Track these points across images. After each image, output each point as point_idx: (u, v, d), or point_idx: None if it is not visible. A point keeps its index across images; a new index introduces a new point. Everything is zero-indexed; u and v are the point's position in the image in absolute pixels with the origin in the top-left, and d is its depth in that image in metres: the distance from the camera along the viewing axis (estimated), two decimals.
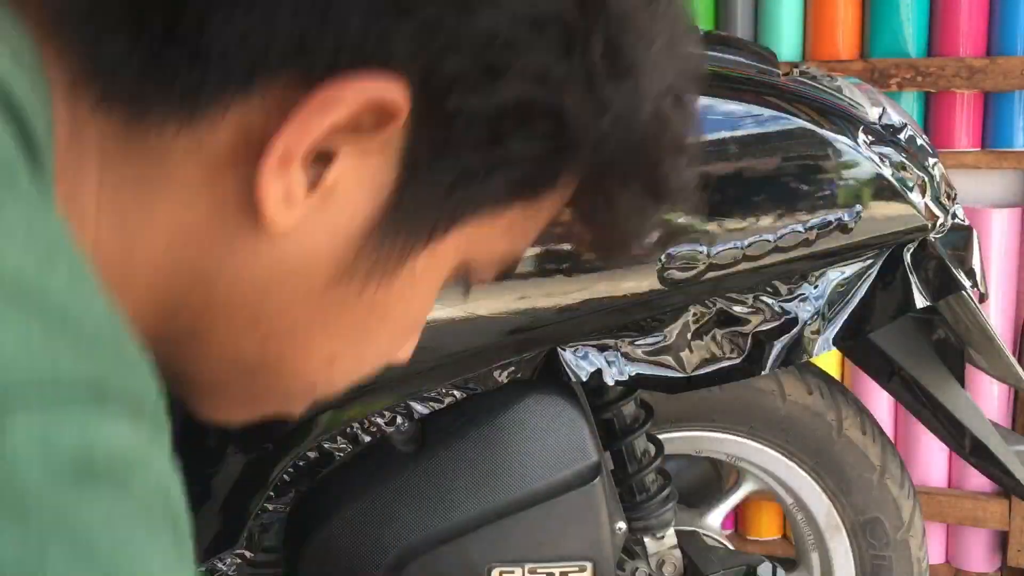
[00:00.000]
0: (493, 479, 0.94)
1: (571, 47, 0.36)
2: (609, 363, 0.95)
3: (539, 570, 0.96)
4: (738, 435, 1.18)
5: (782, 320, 0.96)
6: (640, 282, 0.90)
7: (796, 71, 1.03)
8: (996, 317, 1.69)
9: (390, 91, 0.34)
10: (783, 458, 1.20)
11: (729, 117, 0.91)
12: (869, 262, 0.97)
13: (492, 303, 0.87)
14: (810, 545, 1.28)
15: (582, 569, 0.96)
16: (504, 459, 0.94)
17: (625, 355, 0.95)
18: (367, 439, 0.95)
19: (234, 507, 0.93)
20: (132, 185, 0.35)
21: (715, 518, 1.31)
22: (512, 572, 0.95)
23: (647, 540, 1.08)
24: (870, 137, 0.93)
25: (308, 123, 0.34)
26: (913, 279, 0.96)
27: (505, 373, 0.94)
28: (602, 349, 0.95)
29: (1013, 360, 1.07)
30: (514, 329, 0.89)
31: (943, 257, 0.96)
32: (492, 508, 0.94)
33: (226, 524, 0.94)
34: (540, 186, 0.40)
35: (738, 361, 0.96)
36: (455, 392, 0.95)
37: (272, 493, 0.95)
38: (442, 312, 0.86)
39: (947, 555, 1.84)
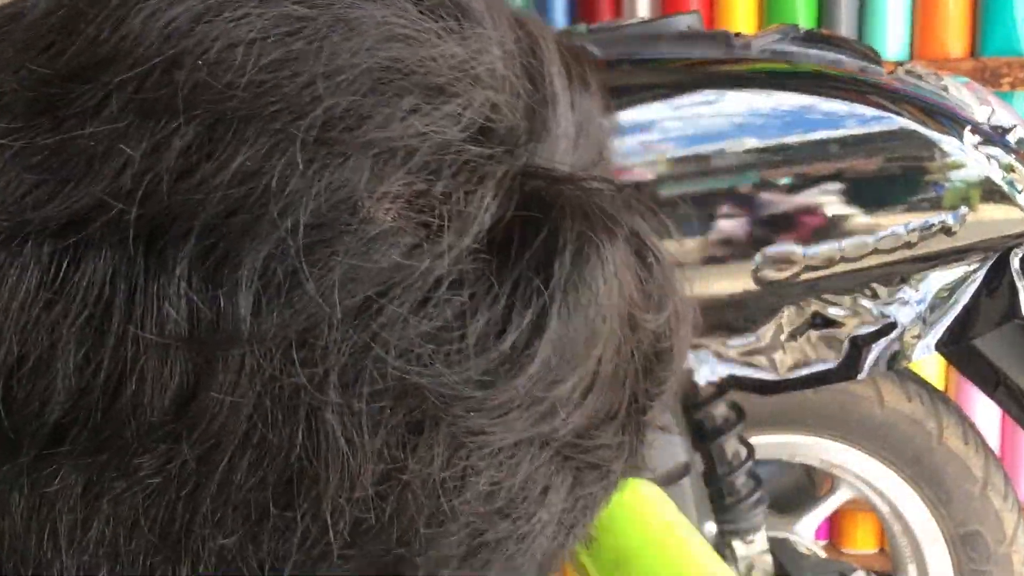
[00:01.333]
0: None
1: None
2: (701, 363, 0.95)
3: None
4: (833, 440, 1.16)
5: (880, 324, 0.94)
6: (734, 282, 0.90)
7: (901, 70, 1.01)
8: None
9: None
10: (880, 465, 1.17)
11: (830, 116, 0.89)
12: (974, 266, 0.94)
13: None
14: (907, 557, 1.25)
15: None
16: None
17: (717, 355, 0.94)
18: None
19: None
20: None
21: (807, 525, 1.29)
22: None
23: (736, 543, 1.07)
24: (977, 138, 0.91)
25: None
26: (1020, 285, 0.93)
27: None
28: (694, 348, 0.95)
29: None
30: None
31: None
32: None
33: None
34: None
35: (833, 364, 0.95)
36: None
37: None
38: None
39: None
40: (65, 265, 0.24)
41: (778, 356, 0.95)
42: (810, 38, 1.00)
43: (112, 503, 0.24)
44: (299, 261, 0.23)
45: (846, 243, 0.89)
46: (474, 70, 0.26)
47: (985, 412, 1.66)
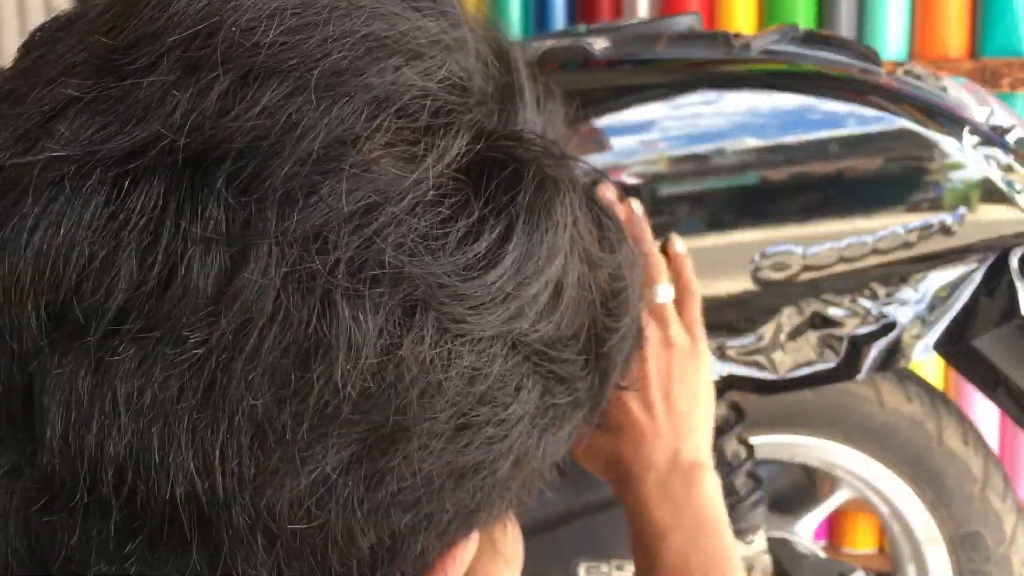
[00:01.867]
0: (582, 475, 0.95)
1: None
2: None
3: (626, 566, 0.96)
4: (832, 441, 1.16)
5: (880, 324, 0.94)
6: (734, 282, 0.90)
7: (900, 70, 1.01)
8: None
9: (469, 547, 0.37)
10: (879, 466, 1.17)
11: (830, 117, 0.90)
12: (973, 266, 0.94)
13: None
14: (907, 557, 1.25)
15: None
16: None
17: (717, 355, 0.94)
18: None
19: None
20: None
21: (807, 526, 1.29)
22: (599, 568, 0.96)
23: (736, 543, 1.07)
24: (977, 138, 0.91)
25: None
26: (1019, 285, 0.93)
27: None
28: None
29: None
30: None
31: None
32: (580, 504, 0.95)
33: None
34: None
35: (833, 364, 0.95)
36: None
37: None
38: None
39: None
40: (126, 185, 0.29)
41: (777, 356, 0.95)
42: (810, 38, 1.00)
43: (163, 372, 0.29)
44: (315, 174, 0.29)
45: (845, 243, 0.89)
46: (446, 40, 0.33)
47: (985, 413, 1.66)
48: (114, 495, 0.30)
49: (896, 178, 0.89)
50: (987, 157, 0.91)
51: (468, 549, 0.37)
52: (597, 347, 0.37)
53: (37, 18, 1.72)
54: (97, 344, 0.29)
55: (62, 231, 0.29)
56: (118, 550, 0.31)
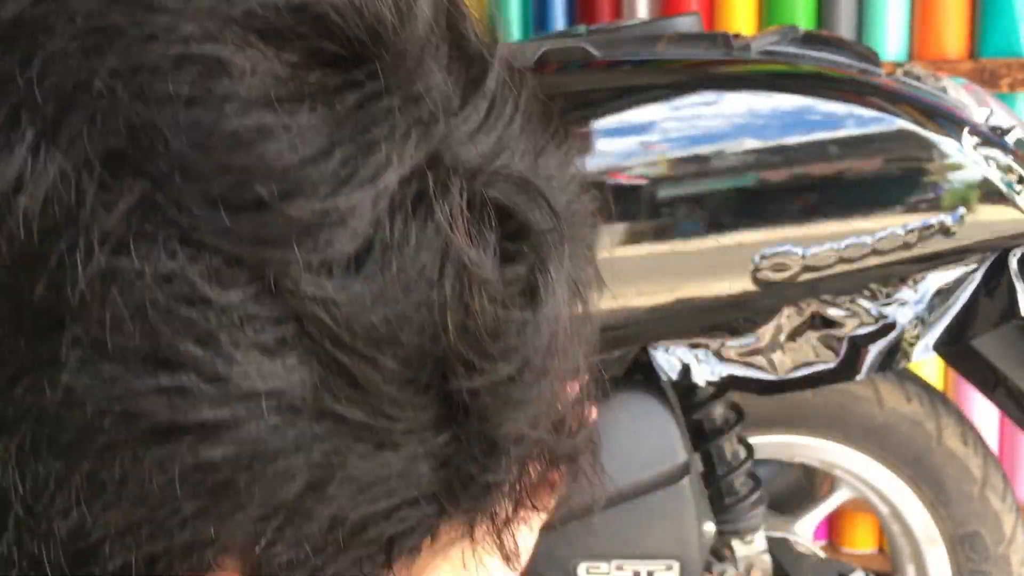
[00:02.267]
0: (581, 476, 0.95)
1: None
2: (700, 363, 0.95)
3: (626, 567, 0.97)
4: (832, 441, 1.16)
5: (879, 324, 0.95)
6: (733, 283, 0.90)
7: (900, 71, 1.01)
8: None
9: None
10: (879, 466, 1.18)
11: (830, 117, 0.90)
12: (972, 267, 0.94)
13: None
14: (906, 557, 1.25)
15: (669, 568, 0.96)
16: None
17: (717, 355, 0.95)
18: None
19: None
20: None
21: (807, 526, 1.30)
22: (599, 568, 0.96)
23: (735, 543, 1.07)
24: (976, 139, 0.91)
25: None
26: (1019, 285, 0.93)
27: None
28: (693, 349, 0.95)
29: None
30: (604, 327, 0.90)
31: None
32: (580, 505, 0.95)
33: None
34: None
35: (833, 365, 0.95)
36: None
37: None
38: None
39: None
40: None
41: (777, 357, 0.95)
42: (809, 39, 1.00)
43: None
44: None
45: (845, 244, 0.89)
46: None
47: (984, 413, 1.66)
48: None
49: (894, 179, 0.90)
50: (986, 158, 0.91)
51: None
52: (443, 380, 0.28)
53: None
54: None
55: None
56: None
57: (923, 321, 0.95)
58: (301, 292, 0.26)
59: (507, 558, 0.34)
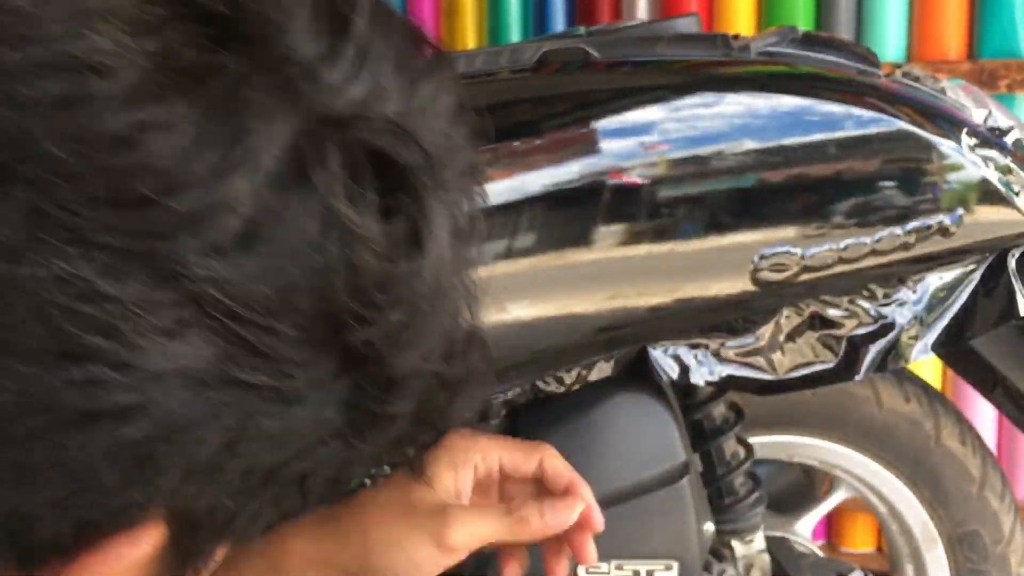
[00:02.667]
0: (580, 476, 0.95)
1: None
2: (699, 363, 0.95)
3: (625, 567, 0.97)
4: (831, 441, 1.16)
5: (878, 324, 0.95)
6: (732, 283, 0.90)
7: (899, 72, 1.02)
8: None
9: (144, 541, 0.31)
10: (878, 466, 1.18)
11: (829, 118, 0.90)
12: (971, 267, 0.95)
13: (582, 301, 0.88)
14: (905, 556, 1.25)
15: (668, 568, 0.97)
16: (591, 457, 0.95)
17: (716, 355, 0.95)
18: None
19: None
20: None
21: (806, 525, 1.30)
22: (598, 568, 0.96)
23: (735, 543, 1.07)
24: (975, 140, 0.91)
25: None
26: (1018, 286, 0.93)
27: (594, 371, 0.95)
28: (692, 349, 0.95)
29: None
30: (604, 327, 0.90)
31: None
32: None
33: None
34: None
35: (832, 365, 0.95)
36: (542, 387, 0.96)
37: None
38: (532, 310, 0.87)
39: None
40: None
41: (776, 357, 0.95)
42: (808, 40, 1.00)
43: None
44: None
45: (844, 244, 0.89)
46: None
47: (983, 413, 1.66)
48: None
49: (893, 179, 0.90)
50: (985, 159, 0.91)
51: (131, 552, 0.30)
52: (338, 334, 0.30)
53: None
54: None
55: None
56: None
57: (922, 321, 0.95)
58: (194, 275, 0.27)
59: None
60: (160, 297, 0.27)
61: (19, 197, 0.26)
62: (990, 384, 1.14)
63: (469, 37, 1.83)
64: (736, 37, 0.95)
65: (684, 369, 0.94)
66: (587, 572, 0.96)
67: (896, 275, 0.94)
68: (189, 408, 0.28)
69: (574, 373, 0.94)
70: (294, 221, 0.29)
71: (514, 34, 1.81)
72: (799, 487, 1.37)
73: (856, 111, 0.90)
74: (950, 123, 0.92)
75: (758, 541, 1.08)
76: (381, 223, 0.30)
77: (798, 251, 0.89)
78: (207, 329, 0.28)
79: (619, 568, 0.97)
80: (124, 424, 0.28)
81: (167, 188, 0.27)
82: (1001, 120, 0.95)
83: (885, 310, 0.95)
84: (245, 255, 0.28)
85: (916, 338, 0.95)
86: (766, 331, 0.95)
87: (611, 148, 0.88)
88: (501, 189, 0.85)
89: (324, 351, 0.30)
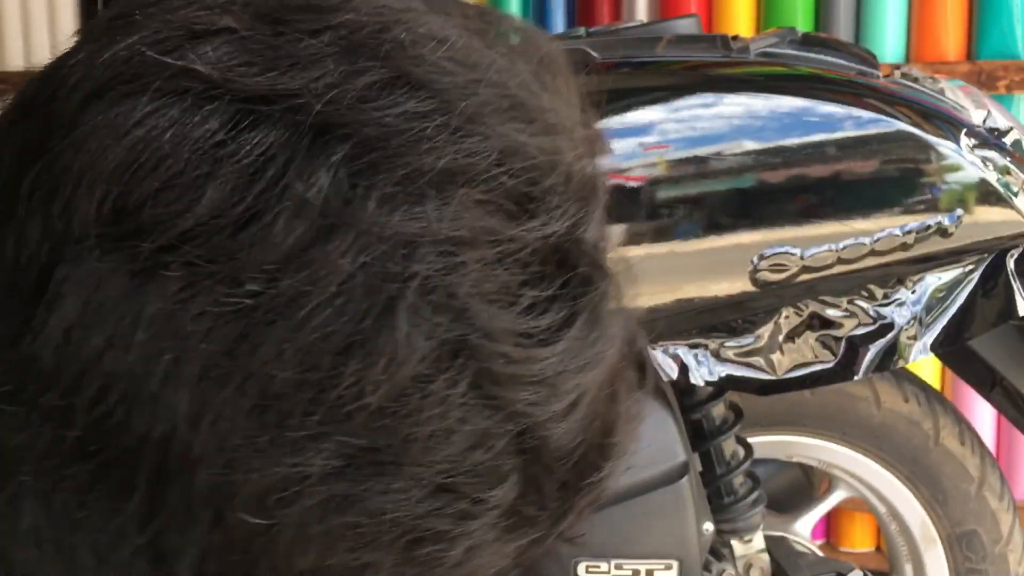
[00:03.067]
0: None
1: None
2: (699, 363, 0.95)
3: (625, 566, 0.97)
4: (830, 441, 1.17)
5: (877, 324, 0.95)
6: (732, 283, 0.90)
7: (898, 73, 1.02)
8: None
9: None
10: (877, 466, 1.18)
11: (828, 119, 0.90)
12: (970, 267, 0.95)
13: None
14: (904, 556, 1.25)
15: (668, 567, 0.97)
16: None
17: (715, 355, 0.95)
18: None
19: None
20: None
21: (805, 525, 1.30)
22: (598, 567, 0.96)
23: (734, 543, 1.08)
24: (973, 140, 0.91)
25: None
26: (1016, 285, 0.93)
27: None
28: (692, 349, 0.95)
29: None
30: None
31: None
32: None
33: None
34: None
35: (831, 365, 0.96)
36: None
37: None
38: None
39: None
40: (247, 122, 0.30)
41: (776, 357, 0.96)
42: (808, 41, 1.00)
43: (202, 305, 0.29)
44: (427, 188, 0.30)
45: (843, 245, 0.90)
46: (570, 127, 0.35)
47: (981, 412, 1.67)
48: (85, 409, 0.29)
49: (892, 180, 0.90)
50: (984, 159, 0.91)
51: None
52: (577, 478, 0.35)
53: (39, 17, 1.72)
54: (150, 253, 0.29)
55: (167, 136, 0.29)
56: (56, 468, 0.30)
57: (921, 321, 0.95)
58: (536, 435, 0.32)
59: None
60: (511, 452, 0.32)
61: (449, 333, 0.30)
62: (988, 384, 1.14)
63: None
64: (736, 38, 0.95)
65: (684, 369, 0.94)
66: (587, 572, 0.97)
67: (895, 275, 0.94)
68: (487, 536, 0.33)
69: None
70: (599, 391, 0.35)
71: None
72: (798, 487, 1.37)
73: (855, 112, 0.90)
74: (949, 124, 0.92)
75: (757, 540, 1.09)
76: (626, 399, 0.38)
77: (797, 251, 0.89)
78: (522, 474, 0.33)
79: (619, 567, 0.97)
80: (452, 548, 0.32)
81: (561, 372, 0.32)
82: (1000, 121, 0.96)
83: (884, 310, 0.95)
84: (567, 418, 0.33)
85: (915, 338, 0.95)
86: (765, 331, 0.95)
87: (611, 149, 0.88)
88: None
89: (567, 490, 0.35)
